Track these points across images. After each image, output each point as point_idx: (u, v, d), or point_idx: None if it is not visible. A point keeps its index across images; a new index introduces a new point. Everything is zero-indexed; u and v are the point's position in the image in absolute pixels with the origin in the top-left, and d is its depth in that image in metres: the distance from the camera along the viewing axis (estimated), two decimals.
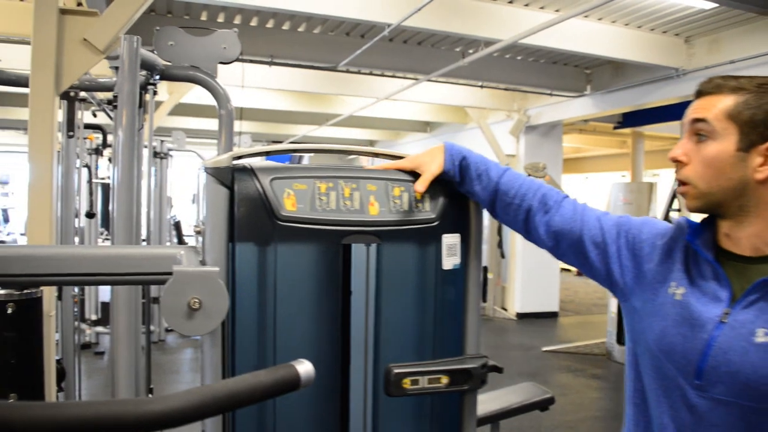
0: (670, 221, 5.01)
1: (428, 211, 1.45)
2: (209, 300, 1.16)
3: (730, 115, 1.24)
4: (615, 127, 10.55)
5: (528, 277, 9.99)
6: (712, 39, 6.66)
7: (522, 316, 10.00)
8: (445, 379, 1.46)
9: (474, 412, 1.58)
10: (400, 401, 1.45)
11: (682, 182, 1.31)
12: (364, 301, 1.43)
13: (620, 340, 7.28)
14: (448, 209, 1.47)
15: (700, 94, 1.30)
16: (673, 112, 8.54)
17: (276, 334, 1.34)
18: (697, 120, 1.27)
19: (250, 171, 1.33)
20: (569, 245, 1.48)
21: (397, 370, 1.40)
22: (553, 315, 10.25)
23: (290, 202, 1.33)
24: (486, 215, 1.57)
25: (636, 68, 7.47)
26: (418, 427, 1.52)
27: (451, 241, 1.47)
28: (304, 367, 0.96)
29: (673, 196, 6.12)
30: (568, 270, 15.44)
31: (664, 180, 9.71)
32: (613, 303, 7.39)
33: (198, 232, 1.31)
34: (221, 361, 1.31)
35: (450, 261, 1.48)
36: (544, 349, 7.94)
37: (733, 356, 1.20)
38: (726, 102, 1.25)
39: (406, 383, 1.42)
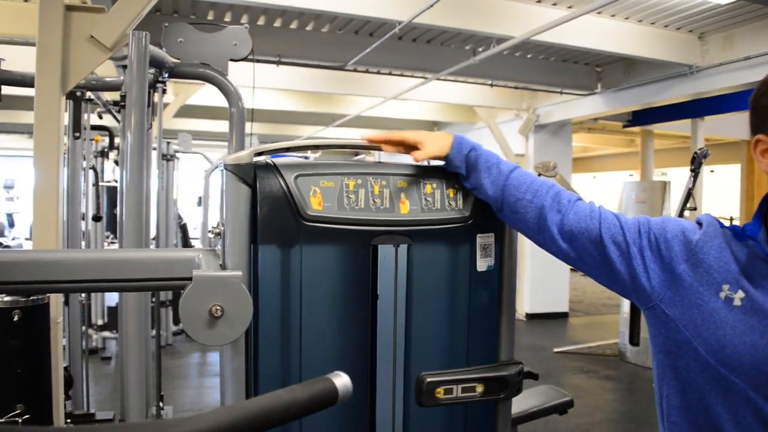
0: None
1: (461, 209, 1.36)
2: (232, 307, 1.08)
3: None
4: (624, 126, 10.43)
5: (537, 278, 9.89)
6: (726, 35, 6.55)
7: (531, 317, 9.90)
8: (480, 388, 1.37)
9: (508, 421, 1.49)
10: (431, 411, 1.36)
11: None
12: (392, 306, 1.34)
13: (633, 341, 7.17)
14: (481, 207, 1.38)
15: None
16: (685, 110, 8.43)
17: (302, 342, 1.25)
18: None
19: (274, 168, 1.25)
20: (585, 245, 1.31)
21: (429, 379, 1.32)
22: (563, 315, 10.15)
23: (316, 201, 1.24)
24: None
25: (648, 65, 7.37)
26: None
27: (485, 241, 1.38)
28: (342, 380, 0.87)
29: (688, 195, 6.01)
30: (575, 270, 15.35)
31: (673, 179, 9.62)
32: (625, 303, 7.28)
33: (217, 234, 1.21)
34: (244, 373, 1.22)
35: (484, 262, 1.39)
36: (556, 350, 7.84)
37: None
38: None
39: (440, 392, 1.33)
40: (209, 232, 1.30)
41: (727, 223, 1.28)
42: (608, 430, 5.26)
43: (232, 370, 1.21)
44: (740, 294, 1.18)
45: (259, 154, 1.28)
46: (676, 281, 1.24)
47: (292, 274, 1.24)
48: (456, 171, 1.37)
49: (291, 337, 1.25)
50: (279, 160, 1.27)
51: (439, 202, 1.34)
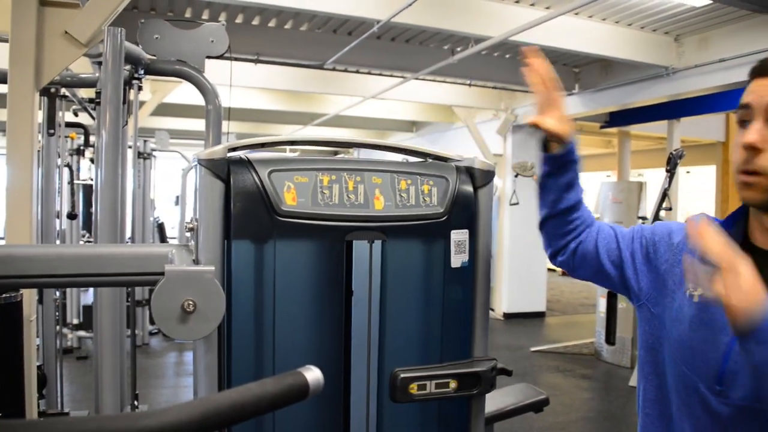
0: (660, 220, 4.91)
1: (436, 205, 1.37)
2: (204, 302, 1.08)
3: None
4: (602, 127, 10.51)
5: (514, 278, 9.95)
6: (702, 37, 6.63)
7: (509, 317, 9.94)
8: (453, 384, 1.38)
9: (482, 417, 1.50)
10: (405, 406, 1.37)
11: (749, 172, 1.15)
12: (366, 302, 1.35)
13: (609, 341, 7.24)
14: (456, 204, 1.39)
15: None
16: (661, 111, 8.52)
17: (275, 338, 1.25)
18: (750, 106, 1.15)
19: (248, 163, 1.24)
20: (585, 256, 1.43)
21: (403, 375, 1.32)
22: (540, 315, 10.21)
23: (290, 196, 1.24)
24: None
25: (625, 67, 7.43)
26: None
27: (459, 237, 1.39)
28: (313, 375, 0.87)
29: (664, 195, 6.08)
30: (554, 270, 15.45)
31: (649, 179, 9.73)
32: (602, 303, 7.34)
33: (191, 230, 1.21)
34: (217, 368, 1.22)
35: (458, 259, 1.39)
36: (533, 349, 7.88)
37: None
38: None
39: (413, 388, 1.34)
40: (187, 230, 1.29)
41: None
42: (584, 429, 5.30)
43: (204, 366, 1.21)
44: (698, 291, 1.22)
45: (233, 149, 1.28)
46: (660, 281, 1.32)
47: (265, 269, 1.24)
48: (553, 158, 1.47)
49: (264, 332, 1.25)
50: (253, 156, 1.27)
51: (414, 198, 1.35)
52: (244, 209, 1.22)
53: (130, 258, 1.20)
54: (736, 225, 1.26)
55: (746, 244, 1.23)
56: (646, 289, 1.34)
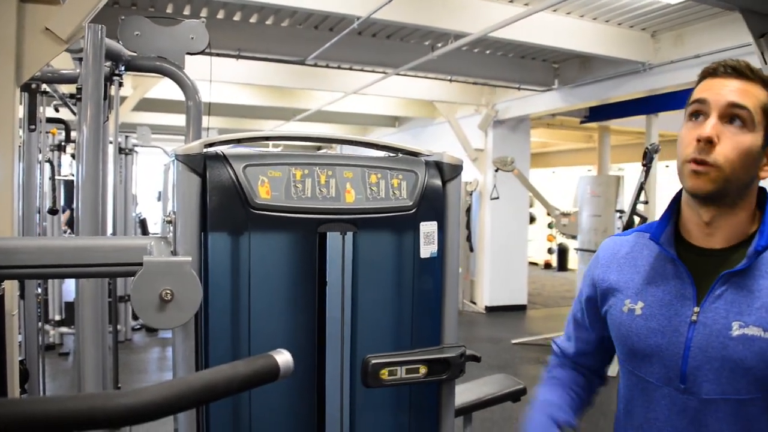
0: (637, 213, 4.99)
1: (405, 198, 1.42)
2: (181, 291, 1.13)
3: (763, 108, 1.21)
4: (581, 122, 10.63)
5: (496, 271, 10.04)
6: (677, 34, 6.74)
7: (491, 310, 10.04)
8: (423, 369, 1.43)
9: (452, 402, 1.56)
10: (378, 392, 1.42)
11: (700, 162, 1.20)
12: (340, 291, 1.40)
13: None
14: (424, 197, 1.44)
15: (736, 73, 1.22)
16: (639, 106, 8.63)
17: (251, 326, 1.30)
18: (737, 105, 1.20)
19: (223, 158, 1.29)
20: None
21: (374, 361, 1.37)
22: (521, 308, 10.32)
23: (264, 190, 1.29)
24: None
25: (603, 62, 7.53)
26: (395, 417, 1.49)
27: (428, 229, 1.44)
28: (283, 357, 0.93)
29: (640, 189, 6.17)
30: (536, 263, 15.57)
31: (630, 174, 9.84)
32: None
33: (169, 222, 1.26)
34: (194, 355, 1.27)
35: (427, 249, 1.45)
36: (514, 341, 7.98)
37: (714, 353, 1.20)
38: (762, 95, 1.21)
39: (384, 374, 1.39)
40: (165, 223, 1.34)
41: None
42: None
43: (183, 354, 1.26)
44: (640, 304, 1.32)
45: (210, 145, 1.33)
46: (603, 314, 1.44)
47: (241, 260, 1.29)
48: None
49: (240, 321, 1.30)
50: (229, 151, 1.32)
51: (384, 192, 1.40)
52: (220, 202, 1.27)
53: (110, 249, 1.25)
54: (669, 223, 1.33)
55: (680, 241, 1.31)
56: (602, 330, 1.48)
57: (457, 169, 1.50)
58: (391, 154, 1.55)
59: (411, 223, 1.43)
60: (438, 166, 1.49)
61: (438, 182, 1.48)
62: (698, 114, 1.23)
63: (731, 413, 1.20)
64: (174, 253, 1.26)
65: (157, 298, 1.11)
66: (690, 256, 1.28)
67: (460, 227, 10.18)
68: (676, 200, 1.35)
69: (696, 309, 1.23)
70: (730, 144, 1.19)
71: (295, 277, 1.35)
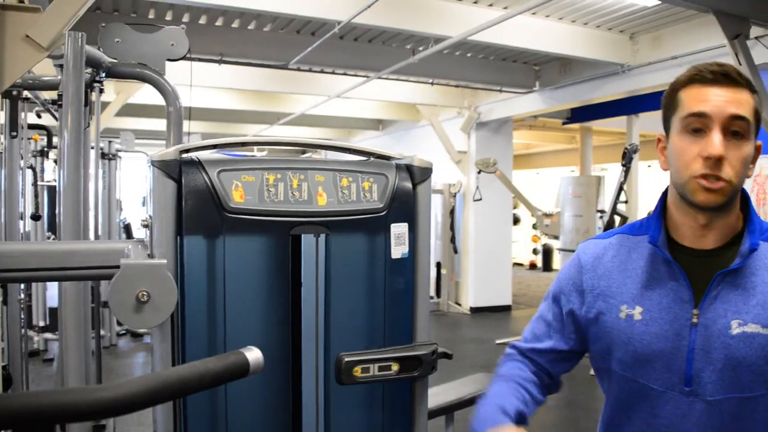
0: (618, 213, 5.04)
1: (376, 200, 1.47)
2: (158, 292, 1.17)
3: (754, 114, 1.23)
4: (564, 123, 10.73)
5: (481, 272, 10.10)
6: (655, 36, 6.83)
7: (475, 311, 10.10)
8: (395, 367, 1.48)
9: (425, 399, 1.61)
10: (352, 389, 1.47)
11: (713, 178, 1.20)
12: (314, 291, 1.45)
13: None
14: (395, 199, 1.49)
15: (727, 80, 1.23)
16: (620, 107, 8.73)
17: (226, 327, 1.35)
18: (738, 117, 1.20)
19: (198, 164, 1.34)
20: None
21: (347, 359, 1.42)
22: (506, 308, 10.38)
23: (238, 194, 1.33)
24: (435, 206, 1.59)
25: (583, 64, 7.61)
26: (369, 414, 1.53)
27: (399, 230, 1.49)
28: (254, 354, 0.97)
29: (620, 189, 6.26)
30: (521, 264, 15.67)
31: (613, 174, 9.96)
32: None
33: (145, 226, 1.30)
34: (171, 354, 1.31)
35: (398, 250, 1.50)
36: (498, 341, 8.03)
37: (716, 354, 1.22)
38: (751, 100, 1.23)
39: (357, 371, 1.43)
40: (142, 227, 1.38)
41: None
42: (545, 416, 5.45)
43: (160, 354, 1.30)
44: (638, 309, 1.30)
45: (186, 151, 1.37)
46: (588, 322, 1.39)
47: (216, 262, 1.33)
48: None
49: (217, 321, 1.34)
50: (203, 157, 1.36)
51: (355, 195, 1.45)
52: (195, 207, 1.31)
53: (88, 253, 1.29)
54: (660, 231, 1.32)
55: (671, 243, 1.31)
56: (585, 318, 1.40)
57: (426, 171, 1.55)
58: (363, 158, 1.60)
59: (382, 225, 1.48)
60: (408, 169, 1.54)
61: (408, 185, 1.53)
62: (698, 129, 1.22)
63: (736, 411, 1.23)
64: (150, 256, 1.30)
65: (133, 300, 1.15)
66: (682, 257, 1.29)
67: (444, 229, 10.29)
68: (663, 201, 1.36)
69: (695, 311, 1.25)
70: (736, 157, 1.21)
71: (270, 278, 1.39)
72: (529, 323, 1.55)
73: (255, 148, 10.71)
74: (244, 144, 1.54)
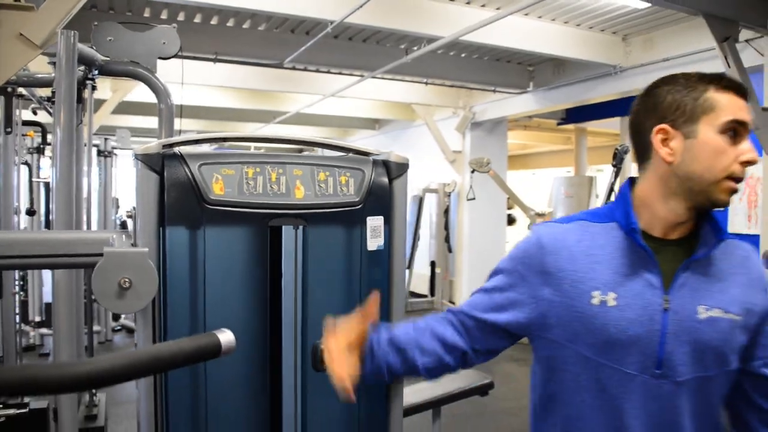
0: None
1: (352, 194, 1.53)
2: (139, 279, 1.23)
3: None
4: (558, 124, 10.78)
5: (475, 271, 10.14)
6: (647, 37, 6.89)
7: None
8: None
9: (401, 389, 1.67)
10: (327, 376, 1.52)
11: (739, 180, 1.29)
12: (293, 281, 1.50)
13: None
14: (371, 193, 1.55)
15: (743, 93, 1.31)
16: (613, 108, 8.78)
17: (206, 313, 1.40)
18: (747, 124, 1.30)
19: (180, 157, 1.39)
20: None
21: (323, 347, 1.47)
22: None
23: (218, 187, 1.39)
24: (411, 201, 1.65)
25: (576, 65, 7.66)
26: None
27: (375, 223, 1.55)
28: (226, 336, 1.03)
29: (611, 189, 6.32)
30: None
31: (608, 175, 10.04)
32: None
33: (130, 217, 1.36)
34: (152, 340, 1.37)
35: (374, 242, 1.56)
36: None
37: (686, 337, 1.29)
38: None
39: None
40: (126, 218, 1.44)
41: None
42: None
43: (143, 337, 1.36)
44: (612, 295, 1.31)
45: (169, 146, 1.43)
46: (547, 305, 1.37)
47: (197, 252, 1.39)
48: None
49: (197, 308, 1.40)
50: (185, 150, 1.42)
51: (332, 188, 1.51)
52: (177, 199, 1.37)
53: (74, 242, 1.35)
54: (630, 215, 1.35)
55: (645, 236, 1.34)
56: (532, 321, 1.39)
57: (403, 167, 1.61)
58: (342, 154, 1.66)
59: (358, 218, 1.54)
60: (385, 165, 1.60)
61: (385, 179, 1.59)
62: (736, 134, 1.29)
63: (697, 390, 1.30)
64: (134, 245, 1.36)
65: (116, 286, 1.20)
66: (652, 245, 1.33)
67: (439, 228, 10.34)
68: (629, 192, 1.39)
69: (666, 297, 1.30)
70: None
71: (249, 268, 1.45)
72: (473, 296, 1.48)
73: (252, 145, 10.75)
74: (224, 140, 1.59)
